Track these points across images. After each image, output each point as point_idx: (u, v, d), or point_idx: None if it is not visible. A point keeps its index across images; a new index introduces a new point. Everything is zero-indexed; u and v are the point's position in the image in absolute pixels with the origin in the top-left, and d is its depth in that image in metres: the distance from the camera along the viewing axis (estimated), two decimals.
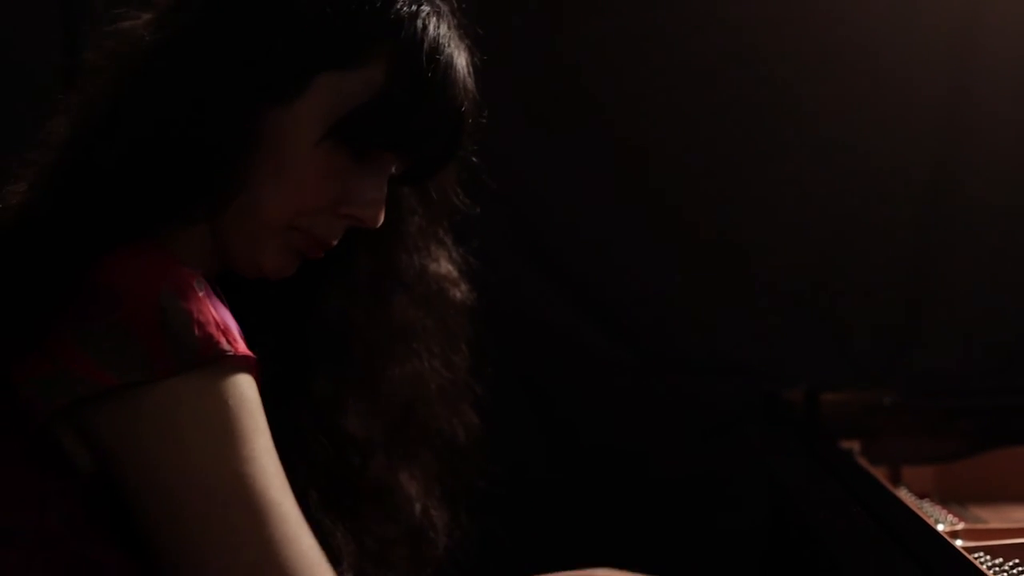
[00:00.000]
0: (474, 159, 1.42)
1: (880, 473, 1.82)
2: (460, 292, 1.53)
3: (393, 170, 1.31)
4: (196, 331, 1.11)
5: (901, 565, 1.20)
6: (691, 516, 2.36)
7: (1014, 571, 1.35)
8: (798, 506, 1.72)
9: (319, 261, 1.31)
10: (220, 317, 1.14)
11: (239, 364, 1.14)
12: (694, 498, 2.36)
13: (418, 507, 1.50)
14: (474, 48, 1.32)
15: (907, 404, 2.05)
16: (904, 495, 1.79)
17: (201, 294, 1.13)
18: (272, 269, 1.28)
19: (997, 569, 1.36)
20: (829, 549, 1.49)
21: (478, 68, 1.31)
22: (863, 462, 1.86)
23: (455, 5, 1.32)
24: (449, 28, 1.28)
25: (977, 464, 1.98)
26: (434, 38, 1.26)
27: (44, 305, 1.12)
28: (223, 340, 1.12)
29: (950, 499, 1.91)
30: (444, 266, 1.50)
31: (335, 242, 1.30)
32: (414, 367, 1.48)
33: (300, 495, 1.25)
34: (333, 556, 1.36)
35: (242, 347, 1.14)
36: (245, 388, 1.13)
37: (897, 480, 1.96)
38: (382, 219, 1.30)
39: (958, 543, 1.46)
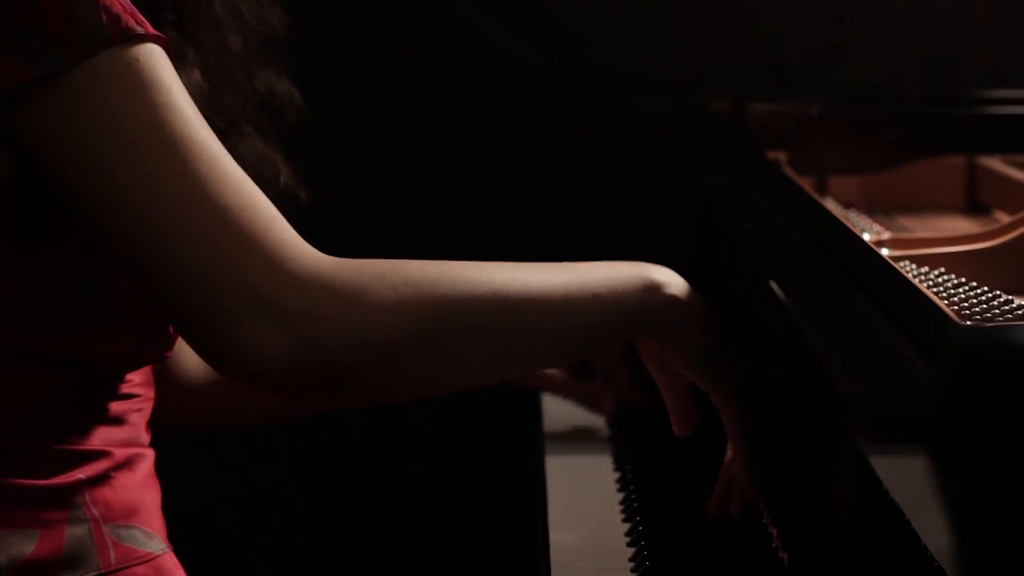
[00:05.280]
0: None
1: (806, 183, 1.81)
2: None
3: None
4: (103, 15, 1.09)
5: (826, 273, 1.18)
6: (617, 225, 2.36)
7: (939, 279, 1.35)
8: (724, 216, 1.71)
9: None
10: (125, 1, 1.12)
11: (149, 42, 1.13)
12: (620, 208, 2.36)
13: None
14: None
15: (834, 114, 2.02)
16: (831, 205, 1.78)
17: None
18: None
19: (923, 277, 1.37)
20: (755, 258, 1.49)
21: None
22: (790, 172, 1.85)
23: None
24: None
25: (903, 174, 1.97)
26: None
27: None
28: (131, 21, 1.11)
29: (876, 209, 1.91)
30: None
31: None
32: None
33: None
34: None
35: (150, 28, 1.12)
36: (158, 56, 1.12)
37: (824, 190, 1.95)
38: None
39: (884, 252, 1.46)
